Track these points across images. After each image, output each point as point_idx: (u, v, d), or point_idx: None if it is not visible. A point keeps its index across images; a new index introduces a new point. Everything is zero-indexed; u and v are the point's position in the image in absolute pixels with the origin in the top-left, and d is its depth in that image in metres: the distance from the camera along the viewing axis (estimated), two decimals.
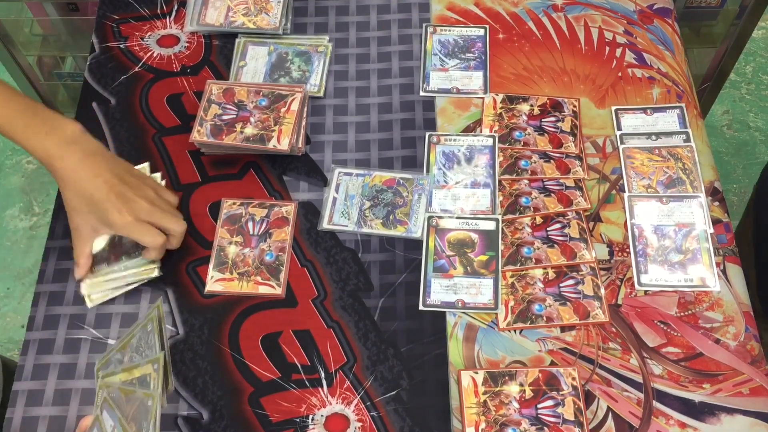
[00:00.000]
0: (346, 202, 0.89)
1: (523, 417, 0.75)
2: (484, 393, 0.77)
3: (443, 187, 0.88)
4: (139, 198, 0.81)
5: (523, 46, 1.01)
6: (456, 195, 0.88)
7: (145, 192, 0.83)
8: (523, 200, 0.88)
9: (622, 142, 0.92)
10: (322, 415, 0.77)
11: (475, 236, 0.86)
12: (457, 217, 0.87)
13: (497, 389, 0.77)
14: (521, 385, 0.77)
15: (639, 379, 0.78)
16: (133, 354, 0.69)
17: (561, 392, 0.77)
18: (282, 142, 0.90)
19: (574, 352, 0.79)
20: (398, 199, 0.89)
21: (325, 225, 0.88)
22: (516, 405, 0.76)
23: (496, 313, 0.81)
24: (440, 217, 0.87)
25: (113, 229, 0.82)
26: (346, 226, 0.88)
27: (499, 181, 0.89)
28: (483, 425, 0.75)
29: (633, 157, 0.91)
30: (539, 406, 0.76)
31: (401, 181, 0.90)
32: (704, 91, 1.63)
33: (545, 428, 0.75)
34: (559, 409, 0.76)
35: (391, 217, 0.88)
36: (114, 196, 0.80)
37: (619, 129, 0.93)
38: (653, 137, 0.92)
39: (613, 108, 0.95)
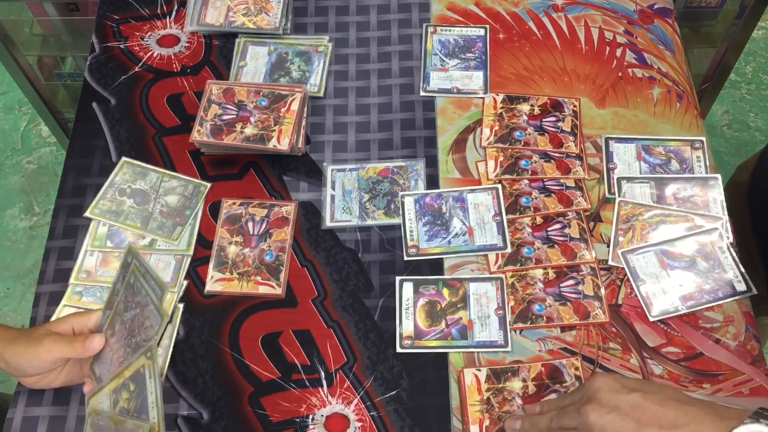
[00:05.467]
0: (344, 198, 0.89)
1: None
2: (487, 390, 0.77)
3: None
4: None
5: (524, 46, 1.00)
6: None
7: None
8: (523, 200, 0.88)
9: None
10: (322, 415, 0.77)
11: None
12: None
13: (500, 386, 0.77)
14: (524, 380, 0.77)
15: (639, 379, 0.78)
16: (123, 318, 0.69)
17: (564, 384, 0.77)
18: (282, 142, 0.90)
19: (574, 352, 0.79)
20: (396, 188, 0.89)
21: (328, 223, 0.88)
22: (519, 401, 0.76)
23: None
24: None
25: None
26: (350, 221, 0.88)
27: (500, 181, 0.89)
28: (487, 422, 0.75)
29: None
30: (543, 400, 0.76)
31: (395, 169, 0.91)
32: (704, 91, 1.63)
33: None
34: None
35: (392, 206, 0.88)
36: None
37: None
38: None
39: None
